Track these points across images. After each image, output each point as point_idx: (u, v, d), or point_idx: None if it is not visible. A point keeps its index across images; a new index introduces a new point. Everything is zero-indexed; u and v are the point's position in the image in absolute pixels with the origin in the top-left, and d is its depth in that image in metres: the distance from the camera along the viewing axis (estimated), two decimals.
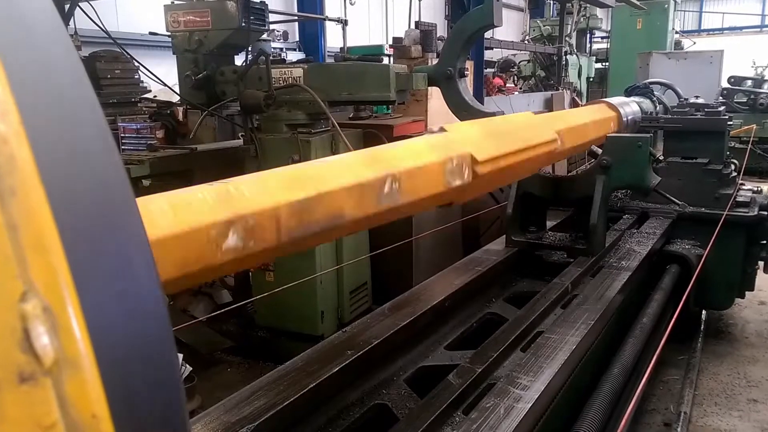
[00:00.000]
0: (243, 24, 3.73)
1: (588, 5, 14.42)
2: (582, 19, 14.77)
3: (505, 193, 3.99)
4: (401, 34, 5.65)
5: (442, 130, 1.66)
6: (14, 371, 0.37)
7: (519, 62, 14.28)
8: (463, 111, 3.39)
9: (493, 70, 13.86)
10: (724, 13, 29.26)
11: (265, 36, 4.70)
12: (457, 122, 1.74)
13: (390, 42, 6.49)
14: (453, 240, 4.84)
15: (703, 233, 3.69)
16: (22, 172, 0.40)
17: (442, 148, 1.53)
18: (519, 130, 1.95)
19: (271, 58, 3.70)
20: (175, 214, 0.88)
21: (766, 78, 10.58)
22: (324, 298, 3.90)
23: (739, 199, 3.91)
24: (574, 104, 10.92)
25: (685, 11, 28.72)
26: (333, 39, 11.02)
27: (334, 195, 1.15)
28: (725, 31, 28.57)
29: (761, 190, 4.16)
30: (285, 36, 12.45)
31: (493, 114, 3.31)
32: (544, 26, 14.67)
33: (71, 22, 4.79)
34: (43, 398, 0.38)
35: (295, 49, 11.61)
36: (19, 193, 0.39)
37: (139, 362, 0.46)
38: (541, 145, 2.01)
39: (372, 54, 4.76)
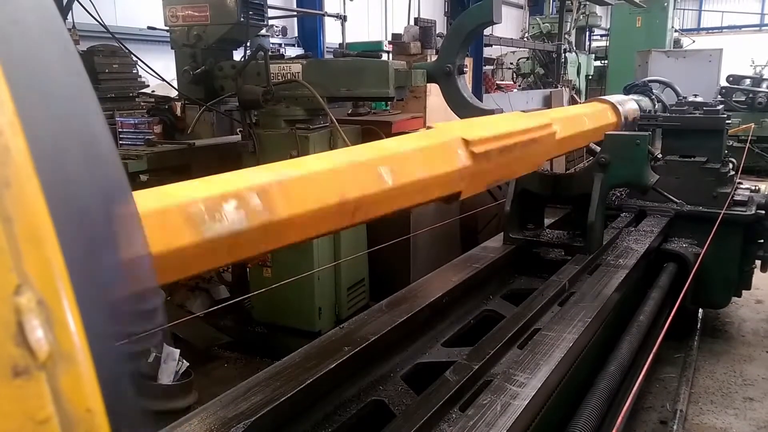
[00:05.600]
0: (242, 19, 3.72)
1: (588, 3, 14.43)
2: (581, 17, 14.79)
3: (503, 190, 3.99)
4: (400, 31, 5.64)
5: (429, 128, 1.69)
6: (8, 365, 0.37)
7: (518, 59, 14.29)
8: (461, 108, 3.38)
9: (492, 67, 13.88)
10: (723, 11, 29.29)
11: (263, 31, 4.68)
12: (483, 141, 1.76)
13: (389, 38, 6.48)
14: (451, 237, 4.84)
15: (700, 232, 3.69)
16: (17, 164, 0.39)
17: (432, 137, 1.55)
18: (511, 119, 1.98)
19: (269, 53, 3.69)
20: None
21: (764, 77, 10.58)
22: (321, 295, 3.90)
23: (737, 197, 3.91)
24: (572, 102, 10.93)
25: (684, 9, 28.75)
26: (332, 35, 10.99)
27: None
28: (724, 30, 28.61)
29: (759, 189, 4.16)
30: (284, 31, 12.42)
31: (491, 111, 3.31)
32: (543, 23, 14.68)
33: (69, 16, 4.77)
34: (37, 392, 0.38)
35: (293, 45, 11.59)
36: (14, 185, 0.39)
37: (137, 356, 0.46)
38: (535, 128, 2.03)
39: (371, 50, 4.74)
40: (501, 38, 11.14)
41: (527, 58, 14.05)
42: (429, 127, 1.69)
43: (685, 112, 4.22)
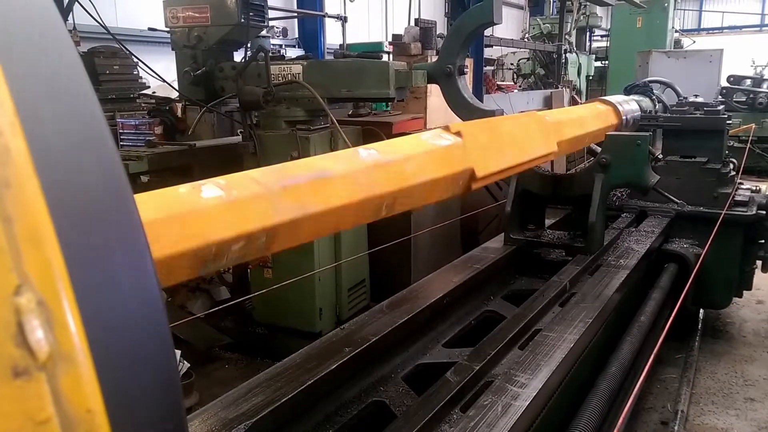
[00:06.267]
0: (242, 20, 3.72)
1: (588, 3, 14.43)
2: (582, 17, 14.80)
3: (503, 190, 3.99)
4: (401, 32, 5.65)
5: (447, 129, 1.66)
6: (8, 366, 0.37)
7: (519, 60, 14.31)
8: (462, 109, 3.37)
9: (492, 67, 13.89)
10: (723, 12, 29.28)
11: (264, 32, 4.69)
12: (462, 123, 1.73)
13: (389, 39, 6.48)
14: (451, 237, 4.84)
15: (701, 232, 3.69)
16: (17, 164, 0.39)
17: (447, 159, 1.54)
18: (519, 140, 1.96)
19: (270, 54, 3.69)
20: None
21: (765, 77, 10.57)
22: (322, 295, 3.90)
23: (738, 198, 3.91)
24: (573, 102, 10.92)
25: (684, 10, 28.75)
26: (332, 36, 11.01)
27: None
28: (725, 30, 28.62)
29: (760, 190, 4.16)
30: (284, 32, 12.43)
31: (492, 112, 3.31)
32: (543, 24, 14.70)
33: (70, 18, 4.77)
34: (37, 393, 0.38)
35: (294, 46, 11.60)
36: (14, 185, 0.39)
37: (136, 357, 0.46)
38: (539, 158, 2.04)
39: (371, 51, 4.74)
40: (501, 39, 11.16)
41: (528, 59, 14.07)
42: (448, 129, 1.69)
43: (686, 112, 4.21)
